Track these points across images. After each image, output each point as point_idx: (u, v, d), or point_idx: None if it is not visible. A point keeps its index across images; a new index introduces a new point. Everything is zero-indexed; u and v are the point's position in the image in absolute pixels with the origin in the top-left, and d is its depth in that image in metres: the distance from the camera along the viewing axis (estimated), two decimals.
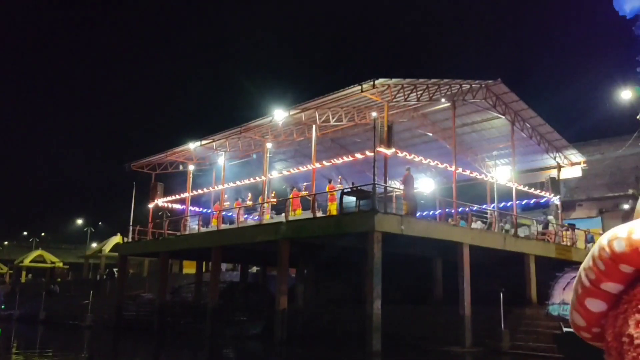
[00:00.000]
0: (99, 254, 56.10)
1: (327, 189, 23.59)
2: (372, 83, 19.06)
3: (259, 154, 32.01)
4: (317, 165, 23.47)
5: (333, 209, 23.35)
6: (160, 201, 32.22)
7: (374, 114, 20.80)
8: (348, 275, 31.80)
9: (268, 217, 25.08)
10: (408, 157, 22.14)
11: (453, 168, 22.53)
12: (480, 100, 23.99)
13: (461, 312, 20.57)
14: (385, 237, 21.75)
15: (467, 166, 28.83)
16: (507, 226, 25.44)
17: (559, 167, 28.17)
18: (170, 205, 33.04)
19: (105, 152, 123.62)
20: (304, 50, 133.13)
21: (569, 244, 26.11)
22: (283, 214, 24.46)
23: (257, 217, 26.84)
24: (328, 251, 26.06)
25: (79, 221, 76.99)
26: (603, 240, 0.97)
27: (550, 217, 29.47)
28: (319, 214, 22.56)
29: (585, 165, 28.68)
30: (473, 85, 23.22)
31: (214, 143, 27.31)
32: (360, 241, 22.72)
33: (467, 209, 22.96)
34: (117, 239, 57.26)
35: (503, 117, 25.07)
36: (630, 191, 34.29)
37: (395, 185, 24.95)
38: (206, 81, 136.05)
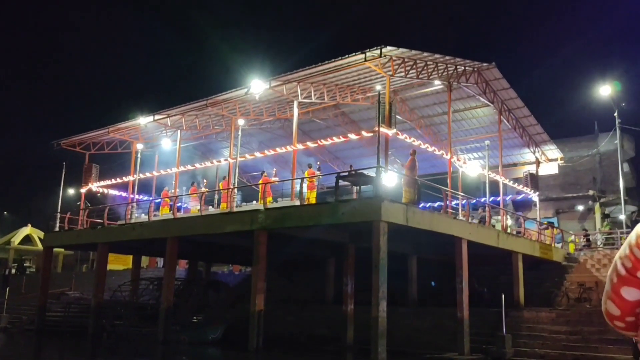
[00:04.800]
0: (7, 247, 49.87)
1: (306, 175, 20.78)
2: (378, 51, 16.55)
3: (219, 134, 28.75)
4: (300, 146, 20.61)
5: (312, 197, 20.61)
6: (95, 185, 28.07)
7: (378, 86, 18.34)
8: (305, 274, 29.19)
9: (225, 206, 21.93)
10: (407, 140, 19.77)
11: (449, 156, 20.43)
12: (472, 85, 22.14)
13: (459, 314, 18.46)
14: (364, 230, 19.39)
15: (438, 158, 27.01)
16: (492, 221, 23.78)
17: (538, 162, 26.93)
18: (106, 190, 28.92)
19: (11, 126, 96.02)
20: (277, 18, 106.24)
21: (548, 242, 24.81)
22: (254, 202, 21.50)
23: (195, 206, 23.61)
24: (291, 247, 23.35)
25: None
26: None
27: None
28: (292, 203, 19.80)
29: (562, 161, 27.63)
30: (467, 68, 21.31)
31: (168, 119, 23.74)
32: (342, 234, 20.23)
33: (464, 202, 20.91)
34: (27, 230, 51.48)
35: (491, 105, 23.37)
36: (591, 192, 33.94)
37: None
38: (150, 44, 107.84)
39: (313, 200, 20.47)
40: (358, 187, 17.17)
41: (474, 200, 22.44)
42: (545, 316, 19.28)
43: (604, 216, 34.27)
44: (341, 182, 18.56)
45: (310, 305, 26.02)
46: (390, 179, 17.49)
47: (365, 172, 17.37)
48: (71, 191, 38.22)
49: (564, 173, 36.84)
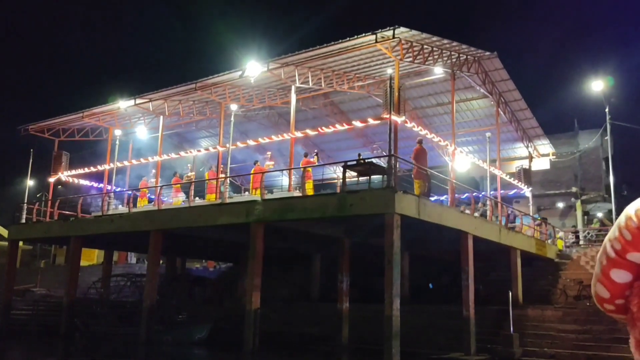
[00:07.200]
0: None
1: (301, 165, 19.59)
2: (390, 32, 15.49)
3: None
4: (299, 134, 19.37)
5: (309, 188, 19.44)
6: (65, 174, 26.14)
7: (389, 70, 17.28)
8: (286, 270, 27.99)
9: (213, 197, 20.57)
10: (415, 128, 18.78)
11: (452, 148, 19.56)
12: (472, 74, 21.35)
13: (465, 313, 17.61)
14: (362, 224, 18.38)
15: (428, 151, 26.20)
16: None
17: (531, 157, 26.43)
18: (76, 180, 27.01)
19: None
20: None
21: (542, 238, 24.31)
22: (246, 193, 20.19)
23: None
24: (275, 241, 22.15)
25: None
26: (630, 210, 0.96)
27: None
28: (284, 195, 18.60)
29: (554, 157, 27.21)
30: (469, 56, 20.50)
31: (150, 104, 22.13)
32: (336, 228, 19.11)
33: (470, 196, 20.12)
34: None
35: (490, 96, 22.66)
36: (573, 189, 33.76)
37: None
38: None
39: (310, 191, 19.33)
40: (367, 177, 16.02)
41: (465, 195, 21.71)
42: (551, 314, 18.65)
43: (585, 213, 34.23)
44: (333, 174, 17.55)
45: (296, 303, 24.88)
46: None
47: (374, 161, 16.30)
48: (32, 182, 35.92)
49: (543, 170, 36.71)
